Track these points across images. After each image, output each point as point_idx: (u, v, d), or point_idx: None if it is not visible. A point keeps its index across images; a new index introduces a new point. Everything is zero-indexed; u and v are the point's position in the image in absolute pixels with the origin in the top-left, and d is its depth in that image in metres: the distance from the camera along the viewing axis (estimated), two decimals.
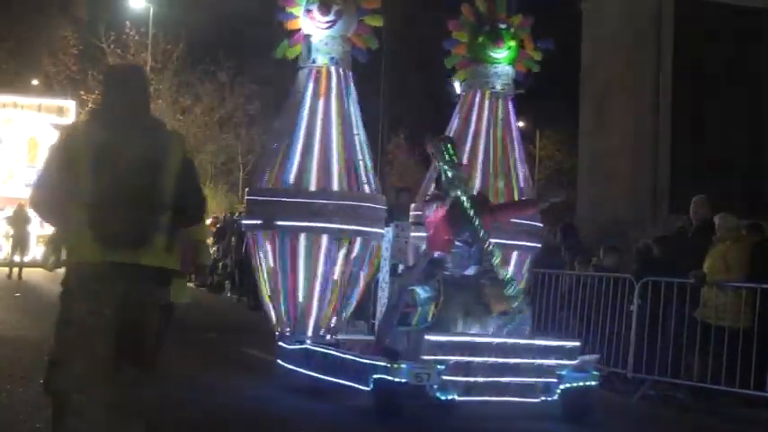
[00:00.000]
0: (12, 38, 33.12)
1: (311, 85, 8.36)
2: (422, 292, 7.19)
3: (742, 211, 9.97)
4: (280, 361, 8.16)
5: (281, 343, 8.19)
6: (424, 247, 7.93)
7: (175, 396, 5.93)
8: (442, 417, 7.13)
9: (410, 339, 7.06)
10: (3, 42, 33.19)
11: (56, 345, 4.19)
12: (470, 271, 7.39)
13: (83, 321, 3.80)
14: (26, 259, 20.07)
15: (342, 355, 7.41)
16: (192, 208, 4.15)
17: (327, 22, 8.12)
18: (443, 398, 6.74)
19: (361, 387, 7.03)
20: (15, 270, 19.84)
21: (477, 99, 8.92)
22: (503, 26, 8.74)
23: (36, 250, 20.07)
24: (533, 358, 7.04)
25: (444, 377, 6.70)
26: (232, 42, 31.96)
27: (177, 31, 32.32)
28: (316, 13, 8.11)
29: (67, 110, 28.35)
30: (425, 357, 6.72)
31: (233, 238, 17.45)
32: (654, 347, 8.79)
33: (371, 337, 8.52)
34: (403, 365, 6.70)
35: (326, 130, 8.25)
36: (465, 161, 8.23)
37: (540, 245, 8.85)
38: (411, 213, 9.00)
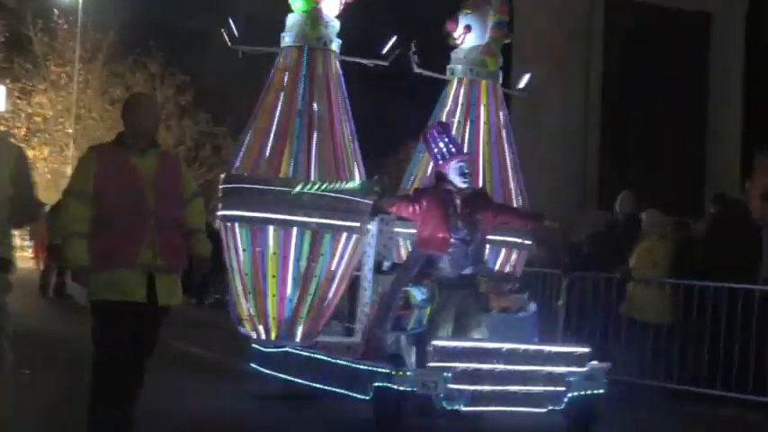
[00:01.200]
0: None
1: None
2: (418, 294, 6.39)
3: (669, 207, 9.95)
4: (254, 365, 7.30)
5: (256, 345, 7.32)
6: (412, 243, 7.19)
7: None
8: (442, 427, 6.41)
9: (413, 344, 6.29)
10: None
11: None
12: (468, 270, 6.65)
13: None
14: None
15: (334, 360, 6.57)
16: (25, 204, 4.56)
17: None
18: (449, 408, 5.99)
19: (357, 396, 6.23)
20: None
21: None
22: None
23: None
24: (542, 365, 6.33)
25: (451, 386, 5.95)
26: (163, 32, 30.83)
27: (107, 21, 31.09)
28: None
29: None
30: (432, 364, 5.94)
31: None
32: (581, 341, 8.23)
33: (350, 340, 7.79)
34: (408, 373, 5.96)
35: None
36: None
37: (531, 242, 8.18)
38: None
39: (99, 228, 4.80)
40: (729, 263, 8.50)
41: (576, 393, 6.36)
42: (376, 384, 6.02)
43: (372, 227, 7.43)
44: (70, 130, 29.63)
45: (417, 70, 8.17)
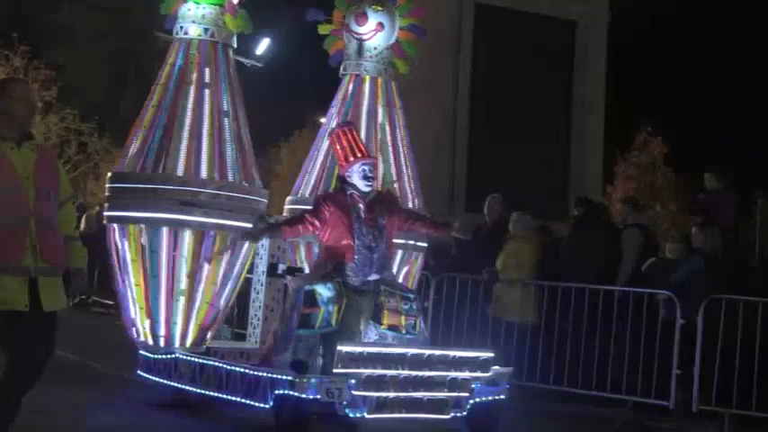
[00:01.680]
0: None
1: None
2: (324, 291, 6.11)
3: (536, 210, 10.05)
4: (141, 373, 6.83)
5: (143, 352, 6.84)
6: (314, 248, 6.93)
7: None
8: None
9: (320, 344, 6.02)
10: None
11: None
12: (373, 277, 6.39)
13: None
14: None
15: (230, 367, 6.18)
16: None
17: None
18: (352, 415, 5.71)
19: (257, 404, 5.88)
20: None
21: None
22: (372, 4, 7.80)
23: None
24: (447, 371, 6.13)
25: (355, 392, 5.68)
26: (27, 25, 29.30)
27: None
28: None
29: None
30: (337, 371, 5.65)
31: None
32: (447, 343, 8.60)
33: (243, 345, 7.44)
34: (312, 379, 5.64)
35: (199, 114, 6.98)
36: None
37: (426, 244, 8.00)
38: (286, 207, 7.90)
39: None
40: (591, 264, 8.93)
41: (479, 399, 6.22)
42: (277, 392, 5.71)
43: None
44: None
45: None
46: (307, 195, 7.73)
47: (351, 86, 8.00)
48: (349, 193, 6.42)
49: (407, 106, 13.24)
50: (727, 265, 8.49)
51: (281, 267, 7.14)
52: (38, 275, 4.43)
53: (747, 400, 7.67)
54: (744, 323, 7.81)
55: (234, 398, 6.09)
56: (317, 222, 6.30)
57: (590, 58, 14.63)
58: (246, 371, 6.05)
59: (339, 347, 5.69)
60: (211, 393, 6.27)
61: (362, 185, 6.43)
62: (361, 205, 6.39)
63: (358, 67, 7.93)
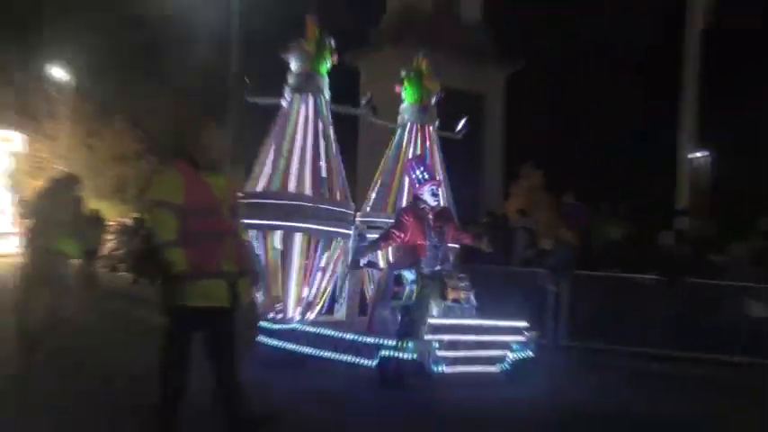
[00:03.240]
0: None
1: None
2: (408, 275, 8.23)
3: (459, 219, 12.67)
4: (263, 338, 8.75)
5: (264, 323, 8.78)
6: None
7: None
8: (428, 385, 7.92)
9: (399, 314, 8.11)
10: None
11: None
12: (437, 268, 8.46)
13: None
14: None
15: (343, 336, 8.16)
16: None
17: None
18: (436, 370, 7.76)
19: (364, 362, 7.87)
20: None
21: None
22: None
23: None
24: (496, 335, 8.26)
25: (438, 353, 7.74)
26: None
27: None
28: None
29: None
30: (428, 337, 7.70)
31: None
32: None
33: (335, 318, 9.41)
34: (410, 343, 7.66)
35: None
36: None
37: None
38: (359, 220, 9.97)
39: (187, 240, 5.06)
40: (498, 253, 11.40)
41: (516, 356, 8.34)
42: (382, 353, 7.71)
43: (352, 232, 9.23)
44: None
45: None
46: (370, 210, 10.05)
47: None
48: (422, 207, 8.48)
49: None
50: (581, 253, 12.21)
51: (362, 262, 9.07)
52: (235, 278, 5.19)
53: (598, 336, 11.17)
54: (589, 290, 11.53)
55: (345, 358, 8.06)
56: (401, 234, 8.33)
57: (493, 121, 19.58)
58: (356, 338, 8.05)
59: (429, 321, 7.75)
60: (326, 355, 8.22)
61: (431, 201, 8.51)
62: (430, 216, 8.46)
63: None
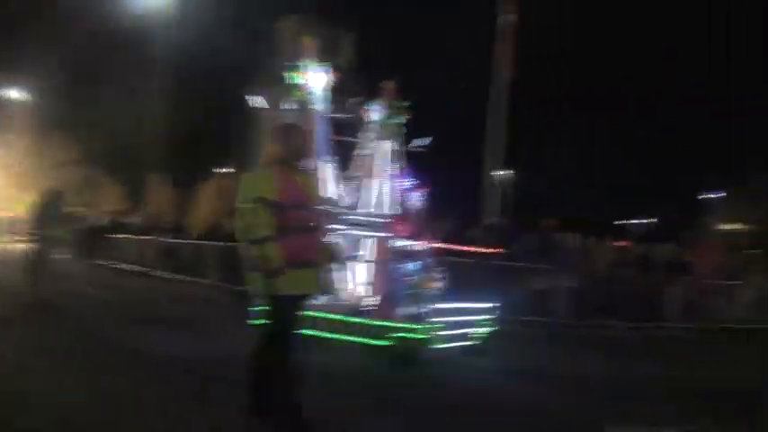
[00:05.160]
0: None
1: None
2: (412, 266, 9.59)
3: None
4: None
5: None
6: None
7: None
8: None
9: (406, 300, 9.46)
10: None
11: None
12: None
13: None
14: None
15: (361, 320, 9.41)
16: None
17: None
18: (438, 346, 9.22)
19: (380, 343, 9.14)
20: None
21: None
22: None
23: None
24: (475, 314, 9.88)
25: (440, 333, 9.21)
26: None
27: None
28: None
29: None
30: (434, 319, 9.14)
31: None
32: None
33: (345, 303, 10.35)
34: (420, 326, 9.05)
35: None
36: None
37: None
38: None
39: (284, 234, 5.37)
40: None
41: (488, 329, 10.02)
42: (397, 335, 9.06)
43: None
44: None
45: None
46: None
47: None
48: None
49: None
50: None
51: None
52: (322, 269, 5.66)
53: None
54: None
55: (362, 340, 9.29)
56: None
57: None
58: (372, 322, 9.31)
59: (434, 306, 9.18)
60: (342, 337, 9.39)
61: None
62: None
63: None
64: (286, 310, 5.42)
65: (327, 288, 5.84)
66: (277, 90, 11.00)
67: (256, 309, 9.69)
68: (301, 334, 5.68)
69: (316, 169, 9.67)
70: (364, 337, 9.34)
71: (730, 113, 36.84)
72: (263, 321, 5.68)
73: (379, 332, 9.25)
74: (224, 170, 44.60)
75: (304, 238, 5.43)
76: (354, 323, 9.45)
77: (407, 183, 10.11)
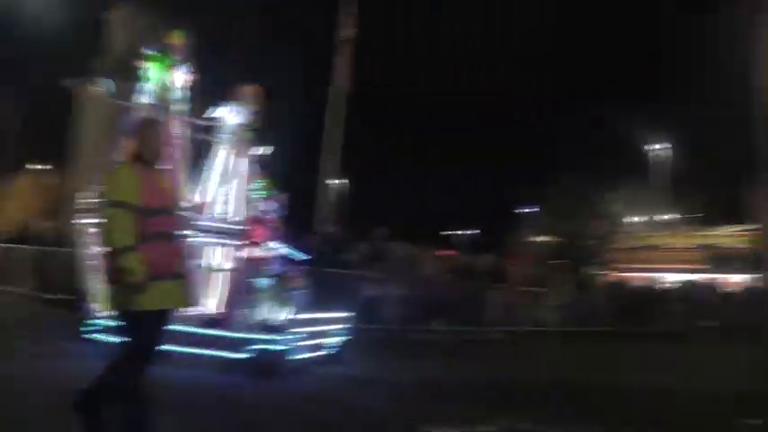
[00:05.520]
0: None
1: None
2: (264, 283, 9.36)
3: None
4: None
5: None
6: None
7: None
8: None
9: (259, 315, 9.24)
10: None
11: None
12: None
13: None
14: None
15: (214, 332, 9.05)
16: None
17: None
18: (296, 357, 9.06)
19: (238, 356, 8.83)
20: None
21: None
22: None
23: None
24: (330, 324, 9.81)
25: (297, 343, 9.06)
26: None
27: None
28: None
29: None
30: (292, 330, 8.98)
31: None
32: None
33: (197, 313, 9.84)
34: (280, 337, 8.84)
35: None
36: None
37: None
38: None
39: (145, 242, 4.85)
40: None
41: (342, 338, 9.99)
42: (255, 347, 8.81)
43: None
44: None
45: None
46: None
47: None
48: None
49: None
50: None
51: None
52: (187, 280, 5.12)
53: None
54: None
55: (217, 354, 8.90)
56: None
57: None
58: (229, 334, 9.00)
59: (289, 317, 8.99)
60: (194, 351, 8.97)
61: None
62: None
63: None
64: (147, 326, 4.89)
65: (193, 301, 5.19)
66: (125, 79, 10.30)
67: (98, 322, 9.19)
68: (161, 351, 5.06)
69: (173, 171, 9.20)
70: (220, 350, 9.00)
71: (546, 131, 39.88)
72: (117, 338, 5.07)
73: (237, 344, 8.95)
74: (39, 167, 40.57)
75: (167, 246, 4.94)
76: (210, 336, 9.08)
77: (262, 188, 9.86)
